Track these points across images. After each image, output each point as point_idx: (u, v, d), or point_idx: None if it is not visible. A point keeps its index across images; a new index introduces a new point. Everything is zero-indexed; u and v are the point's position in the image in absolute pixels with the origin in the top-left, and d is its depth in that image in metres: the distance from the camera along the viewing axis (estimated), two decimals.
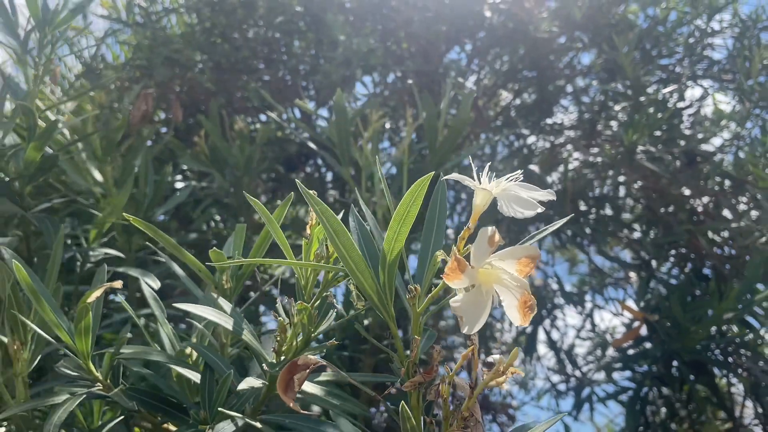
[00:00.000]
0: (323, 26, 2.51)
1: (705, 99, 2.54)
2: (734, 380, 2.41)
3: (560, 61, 2.73)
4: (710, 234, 2.39)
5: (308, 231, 0.93)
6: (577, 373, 2.76)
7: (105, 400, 1.26)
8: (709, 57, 2.57)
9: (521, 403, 3.13)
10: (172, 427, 1.10)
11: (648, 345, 2.34)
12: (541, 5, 2.53)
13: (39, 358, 1.14)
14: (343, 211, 0.91)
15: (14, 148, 1.44)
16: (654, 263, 2.57)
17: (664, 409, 2.43)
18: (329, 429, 0.94)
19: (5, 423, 1.21)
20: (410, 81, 2.48)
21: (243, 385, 0.94)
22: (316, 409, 1.46)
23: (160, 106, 2.54)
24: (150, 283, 1.38)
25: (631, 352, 2.38)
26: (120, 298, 1.87)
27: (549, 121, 2.76)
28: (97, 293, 1.02)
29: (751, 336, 2.17)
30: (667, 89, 2.47)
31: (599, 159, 2.60)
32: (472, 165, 0.80)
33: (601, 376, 2.70)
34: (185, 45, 2.50)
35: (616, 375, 2.57)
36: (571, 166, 2.66)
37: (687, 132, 2.47)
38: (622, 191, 2.68)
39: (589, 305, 2.88)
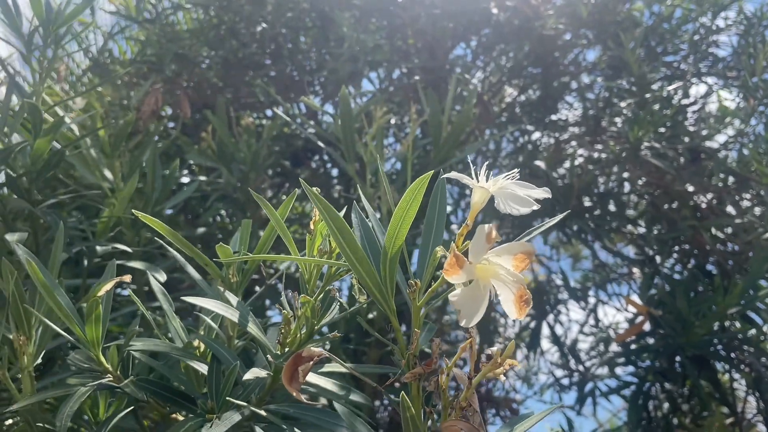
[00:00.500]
0: (330, 23, 2.53)
1: (709, 96, 2.55)
2: (737, 376, 2.42)
3: (565, 58, 2.74)
4: (714, 230, 2.40)
5: (312, 226, 0.96)
6: (581, 367, 2.78)
7: (111, 392, 1.29)
8: (713, 54, 2.58)
9: (524, 398, 3.15)
10: (180, 417, 1.13)
11: (651, 340, 2.36)
12: (547, 2, 2.54)
13: (44, 352, 1.17)
14: (346, 207, 0.93)
15: (21, 145, 1.46)
16: (658, 259, 2.58)
17: (666, 404, 2.45)
18: (333, 419, 0.96)
19: (14, 416, 1.24)
20: (417, 77, 2.50)
21: (248, 376, 0.96)
22: (323, 401, 1.49)
23: (168, 102, 2.56)
24: (158, 277, 1.41)
25: (634, 347, 2.40)
26: (126, 292, 1.90)
27: (554, 117, 2.78)
28: (108, 286, 1.05)
29: (754, 332, 2.19)
30: (671, 86, 2.48)
31: (603, 155, 2.61)
32: (473, 162, 0.82)
33: (604, 371, 2.72)
34: (194, 41, 2.52)
35: (618, 370, 2.59)
36: (576, 162, 2.67)
37: (691, 129, 2.49)
38: (626, 187, 2.69)
39: (592, 300, 2.89)
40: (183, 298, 1.00)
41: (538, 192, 0.76)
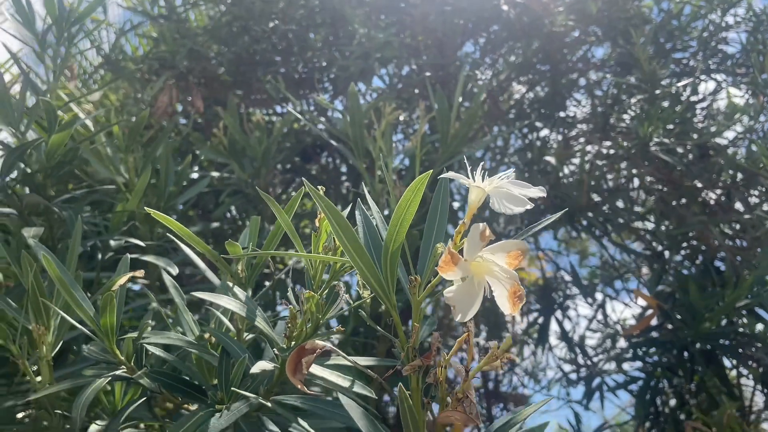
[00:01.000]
0: (340, 20, 2.55)
1: (718, 93, 2.55)
2: (744, 371, 2.43)
3: (574, 55, 2.75)
4: (722, 226, 2.40)
5: (317, 223, 0.99)
6: (588, 363, 2.79)
7: (126, 383, 1.33)
8: (723, 51, 2.58)
9: (532, 392, 3.17)
10: (191, 408, 1.16)
11: (658, 335, 2.37)
12: None
13: (61, 343, 1.21)
14: (352, 204, 0.96)
15: (36, 141, 1.50)
16: (666, 255, 2.59)
17: (674, 399, 2.46)
18: (340, 410, 0.99)
19: (32, 405, 1.28)
20: (428, 74, 2.52)
21: (256, 368, 0.99)
22: (334, 394, 1.52)
23: (180, 99, 2.60)
24: (170, 271, 1.44)
25: (641, 340, 2.41)
26: (137, 286, 1.93)
27: (562, 114, 2.79)
28: (122, 280, 1.08)
29: (761, 327, 2.20)
30: (681, 83, 2.49)
31: (612, 151, 2.62)
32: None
33: (611, 366, 2.73)
34: (207, 37, 2.55)
35: (626, 365, 2.61)
36: (585, 159, 2.68)
37: (700, 125, 2.49)
38: (635, 183, 2.70)
39: (600, 296, 2.91)
40: (194, 293, 1.04)
41: (533, 191, 0.79)
